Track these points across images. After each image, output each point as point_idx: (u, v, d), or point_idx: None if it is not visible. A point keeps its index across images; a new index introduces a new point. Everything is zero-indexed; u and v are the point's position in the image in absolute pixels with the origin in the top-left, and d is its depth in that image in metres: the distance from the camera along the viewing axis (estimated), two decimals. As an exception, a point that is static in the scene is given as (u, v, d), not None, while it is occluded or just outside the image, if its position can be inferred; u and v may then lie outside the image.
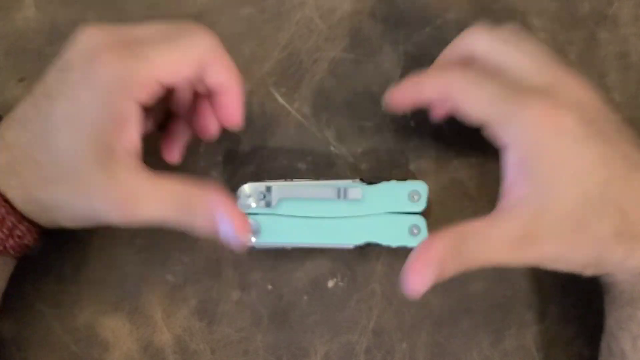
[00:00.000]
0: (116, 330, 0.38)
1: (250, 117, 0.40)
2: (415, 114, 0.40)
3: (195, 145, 0.39)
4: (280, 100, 0.40)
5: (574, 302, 0.39)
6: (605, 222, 0.29)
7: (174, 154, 0.36)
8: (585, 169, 0.29)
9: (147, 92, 0.30)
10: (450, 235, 0.29)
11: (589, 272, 0.32)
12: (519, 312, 0.38)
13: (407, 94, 0.34)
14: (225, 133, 0.40)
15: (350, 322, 0.38)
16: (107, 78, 0.29)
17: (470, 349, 0.38)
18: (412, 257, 0.29)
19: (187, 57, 0.31)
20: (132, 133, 0.30)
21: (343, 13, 0.41)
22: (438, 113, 0.36)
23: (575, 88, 0.31)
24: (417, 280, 0.29)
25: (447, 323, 0.38)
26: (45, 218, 0.32)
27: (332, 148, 0.40)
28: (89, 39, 0.30)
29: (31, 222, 0.32)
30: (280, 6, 0.41)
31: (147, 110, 0.32)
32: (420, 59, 0.40)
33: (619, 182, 0.29)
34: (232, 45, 0.40)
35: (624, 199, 0.29)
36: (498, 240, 0.29)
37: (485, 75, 0.31)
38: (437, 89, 0.32)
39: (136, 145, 0.30)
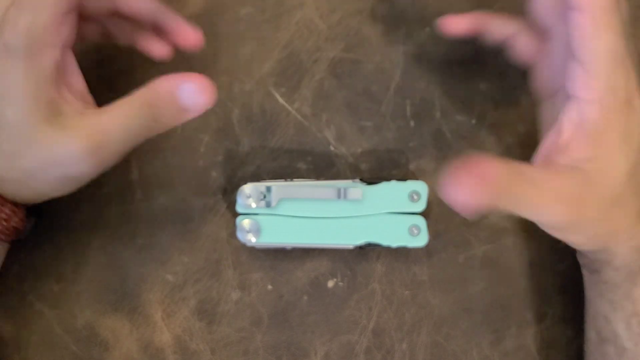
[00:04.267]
0: (116, 330, 0.38)
1: (250, 117, 0.40)
2: (416, 113, 0.40)
3: (196, 145, 0.39)
4: (280, 100, 0.40)
5: (574, 302, 0.39)
6: (636, 201, 0.30)
7: (159, 49, 0.37)
8: (636, 148, 0.30)
9: None
10: (507, 167, 0.28)
11: (589, 246, 0.32)
12: (519, 312, 0.38)
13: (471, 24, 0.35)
14: (225, 133, 0.40)
15: (350, 322, 0.38)
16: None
17: (470, 349, 0.38)
18: (456, 168, 0.27)
19: None
20: (69, 76, 0.31)
21: (343, 13, 0.41)
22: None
23: None
24: (466, 192, 0.27)
25: (447, 323, 0.38)
26: (26, 193, 0.32)
27: (332, 148, 0.40)
28: None
29: (15, 204, 0.32)
30: (280, 6, 0.41)
31: (86, 17, 0.33)
32: (420, 59, 0.40)
33: None
34: (232, 45, 0.41)
35: None
36: (550, 194, 0.28)
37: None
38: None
39: (77, 87, 0.32)
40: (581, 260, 0.35)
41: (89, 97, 0.33)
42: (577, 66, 0.29)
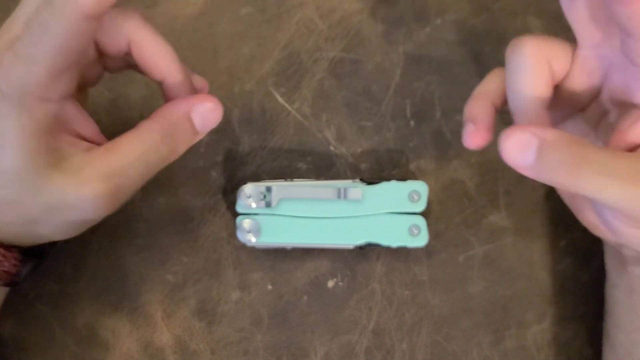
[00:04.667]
0: (116, 330, 0.38)
1: (250, 117, 0.40)
2: (416, 113, 0.40)
3: (196, 145, 0.39)
4: (280, 100, 0.40)
5: (574, 302, 0.39)
6: None
7: None
8: None
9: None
10: (573, 140, 0.26)
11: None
12: (519, 312, 0.38)
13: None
14: (225, 133, 0.40)
15: (350, 322, 0.38)
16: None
17: (470, 349, 0.38)
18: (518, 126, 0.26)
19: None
20: (73, 126, 0.29)
21: (343, 13, 0.41)
22: None
23: None
24: (516, 148, 0.26)
25: (447, 323, 0.38)
26: (25, 238, 0.30)
27: (332, 148, 0.40)
28: None
29: (6, 247, 0.30)
30: (280, 6, 0.41)
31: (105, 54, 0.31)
32: (420, 59, 0.40)
33: None
34: (232, 45, 0.41)
35: None
36: (618, 173, 0.26)
37: None
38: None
39: (84, 131, 0.30)
40: (629, 253, 0.33)
41: (100, 138, 0.31)
42: None
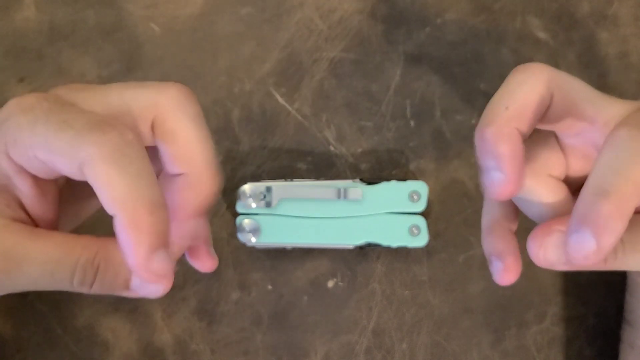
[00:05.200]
0: (116, 330, 0.38)
1: (250, 117, 0.40)
2: (416, 113, 0.40)
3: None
4: (280, 100, 0.40)
5: (574, 302, 0.39)
6: None
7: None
8: None
9: (28, 163, 0.24)
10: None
11: None
12: (519, 312, 0.38)
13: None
14: (225, 133, 0.40)
15: (350, 322, 0.38)
16: None
17: (470, 349, 0.38)
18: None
19: (65, 154, 0.22)
20: (16, 194, 0.24)
21: (343, 13, 0.41)
22: None
23: None
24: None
25: (447, 323, 0.38)
26: None
27: (332, 148, 0.40)
28: (56, 88, 0.25)
29: None
30: (280, 6, 0.41)
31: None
32: (420, 59, 0.40)
33: None
34: (232, 45, 0.41)
35: None
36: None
37: None
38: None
39: (29, 207, 0.25)
40: None
41: (51, 224, 0.26)
42: None
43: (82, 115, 0.23)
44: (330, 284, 0.39)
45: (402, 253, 0.39)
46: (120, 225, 0.23)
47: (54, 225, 0.26)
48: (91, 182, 0.22)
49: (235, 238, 0.37)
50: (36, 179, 0.24)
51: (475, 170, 0.39)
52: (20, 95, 0.24)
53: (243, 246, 0.38)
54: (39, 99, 0.23)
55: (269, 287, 0.39)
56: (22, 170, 0.24)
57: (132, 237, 0.23)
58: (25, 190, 0.24)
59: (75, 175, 0.23)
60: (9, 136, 0.23)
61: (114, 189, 0.22)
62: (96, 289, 0.25)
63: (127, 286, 0.25)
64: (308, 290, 0.39)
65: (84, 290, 0.25)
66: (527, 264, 0.39)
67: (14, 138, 0.23)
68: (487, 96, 0.40)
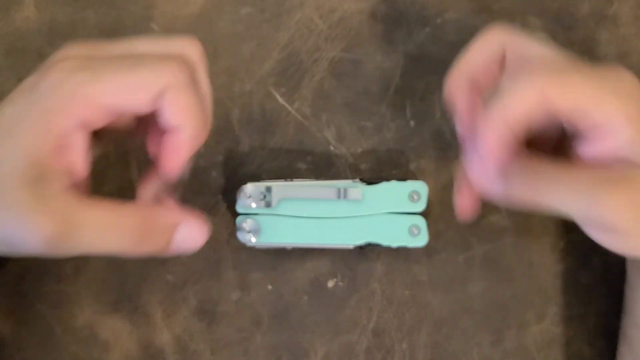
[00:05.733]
0: (116, 330, 0.38)
1: (250, 117, 0.40)
2: (416, 113, 0.40)
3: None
4: (280, 100, 0.40)
5: (574, 302, 0.39)
6: None
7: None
8: None
9: (92, 115, 0.26)
10: (532, 161, 0.27)
11: None
12: (519, 312, 0.38)
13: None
14: (225, 133, 0.40)
15: (350, 322, 0.38)
16: (49, 92, 0.26)
17: (470, 349, 0.38)
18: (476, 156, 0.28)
19: (142, 88, 0.26)
20: (71, 155, 0.26)
21: (343, 13, 0.41)
22: None
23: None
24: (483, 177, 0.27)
25: (447, 323, 0.38)
26: None
27: (332, 148, 0.40)
28: (64, 51, 0.28)
29: None
30: (280, 6, 0.41)
31: (98, 133, 0.28)
32: (420, 59, 0.40)
33: None
34: (232, 45, 0.41)
35: None
36: (574, 186, 0.26)
37: None
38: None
39: (76, 169, 0.27)
40: None
41: (83, 179, 0.28)
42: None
43: (139, 55, 0.28)
44: (330, 284, 0.39)
45: (402, 253, 0.39)
46: (188, 136, 0.28)
47: (89, 183, 0.29)
48: (168, 107, 0.27)
49: (235, 238, 0.37)
50: (87, 136, 0.27)
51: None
52: (52, 64, 0.27)
53: (243, 246, 0.38)
54: (82, 59, 0.27)
55: (269, 287, 0.39)
56: (80, 125, 0.26)
57: (193, 145, 0.28)
58: (79, 147, 0.27)
59: (143, 108, 0.27)
60: (70, 95, 0.26)
61: (191, 108, 0.27)
62: (144, 250, 0.28)
63: (170, 246, 0.29)
64: (308, 290, 0.39)
65: (134, 252, 0.27)
66: (528, 265, 0.39)
67: (79, 93, 0.26)
68: (487, 96, 0.40)
